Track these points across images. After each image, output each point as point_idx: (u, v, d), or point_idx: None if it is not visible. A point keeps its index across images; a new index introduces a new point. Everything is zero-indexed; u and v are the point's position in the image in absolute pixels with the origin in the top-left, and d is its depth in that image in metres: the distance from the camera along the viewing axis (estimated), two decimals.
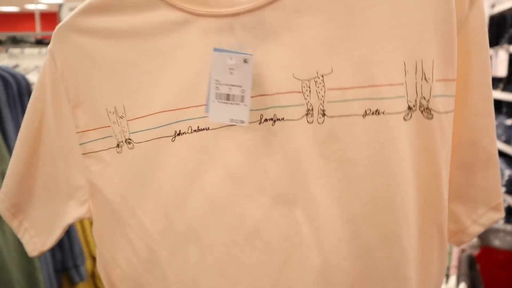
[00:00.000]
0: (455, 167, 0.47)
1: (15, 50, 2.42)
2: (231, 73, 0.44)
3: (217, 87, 0.45)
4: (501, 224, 1.09)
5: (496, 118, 0.45)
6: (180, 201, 0.49)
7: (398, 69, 0.43)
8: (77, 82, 0.50)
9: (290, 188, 0.46)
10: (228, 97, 0.45)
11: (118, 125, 0.50)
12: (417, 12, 0.42)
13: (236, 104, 0.45)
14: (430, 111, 0.43)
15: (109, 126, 0.50)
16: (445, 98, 0.43)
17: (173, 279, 0.51)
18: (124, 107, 0.49)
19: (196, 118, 0.47)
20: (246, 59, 0.43)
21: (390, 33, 0.42)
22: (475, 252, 1.08)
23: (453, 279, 0.94)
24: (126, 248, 0.53)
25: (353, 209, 0.45)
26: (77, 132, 0.52)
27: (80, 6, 0.49)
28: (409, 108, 0.44)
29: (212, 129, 0.47)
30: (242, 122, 0.45)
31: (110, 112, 0.50)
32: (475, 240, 1.13)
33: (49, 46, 0.51)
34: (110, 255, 0.54)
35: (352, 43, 0.43)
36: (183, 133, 0.48)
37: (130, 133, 0.50)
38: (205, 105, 0.46)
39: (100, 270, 0.56)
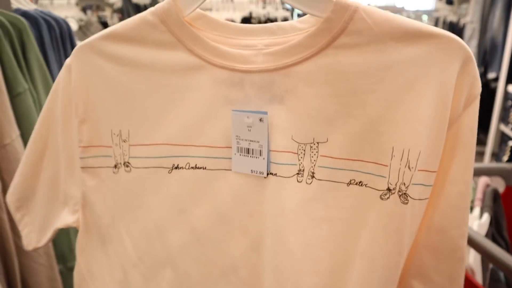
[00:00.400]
0: (422, 247, 0.48)
1: (44, 1, 2.46)
2: (249, 130, 0.47)
3: (238, 141, 0.48)
4: (507, 164, 1.11)
5: None
6: (164, 229, 0.52)
7: (386, 152, 0.45)
8: (87, 100, 0.52)
9: (271, 236, 0.48)
10: (248, 151, 0.48)
11: (120, 147, 0.52)
12: (414, 105, 0.43)
13: (256, 157, 0.48)
14: (407, 197, 0.45)
15: (110, 147, 0.52)
16: (422, 187, 0.45)
17: None
18: (129, 132, 0.51)
19: (195, 156, 0.50)
20: (261, 118, 0.46)
21: (385, 118, 0.44)
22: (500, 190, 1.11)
23: (477, 210, 0.99)
24: (103, 264, 0.56)
25: (323, 264, 0.48)
26: (79, 146, 0.54)
27: (105, 30, 0.51)
28: (389, 189, 0.45)
29: (209, 169, 0.50)
30: (262, 173, 0.48)
31: (114, 134, 0.52)
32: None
33: (68, 60, 0.52)
34: (86, 267, 0.57)
35: (350, 120, 0.45)
36: (180, 168, 0.50)
37: (130, 157, 0.52)
38: (205, 146, 0.49)
39: (75, 280, 0.59)
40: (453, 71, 0.42)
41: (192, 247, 0.51)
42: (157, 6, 0.49)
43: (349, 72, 0.44)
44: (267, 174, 0.48)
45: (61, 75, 0.53)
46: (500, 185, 1.12)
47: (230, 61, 0.47)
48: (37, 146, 0.57)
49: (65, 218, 0.57)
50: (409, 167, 0.44)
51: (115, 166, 0.53)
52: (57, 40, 1.07)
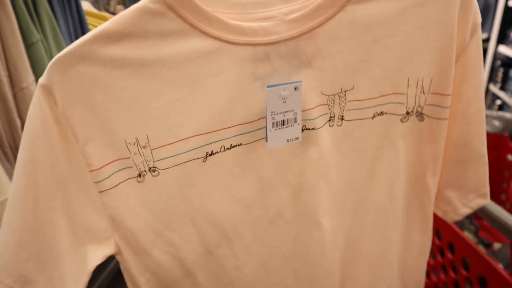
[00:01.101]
0: (451, 163, 0.57)
1: None
2: (284, 102, 0.47)
3: (273, 117, 0.48)
4: (487, 111, 1.22)
5: None
6: (210, 211, 0.53)
7: (403, 83, 0.52)
8: (86, 117, 0.45)
9: (312, 177, 0.54)
10: (283, 122, 0.49)
11: (140, 155, 0.48)
12: (425, 40, 0.49)
13: (291, 126, 0.49)
14: (422, 115, 0.53)
15: (129, 158, 0.47)
16: (436, 107, 0.52)
17: (198, 272, 0.56)
18: (147, 137, 0.47)
19: (229, 137, 0.49)
20: (296, 87, 0.47)
21: (401, 56, 0.50)
22: None
23: None
24: (151, 264, 0.54)
25: (357, 183, 0.57)
26: (90, 171, 0.47)
27: (91, 33, 0.43)
28: (407, 113, 0.54)
29: (245, 144, 0.50)
30: (297, 138, 0.50)
31: (130, 143, 0.47)
32: None
33: (42, 79, 0.43)
34: (135, 271, 0.54)
35: (372, 65, 0.50)
36: (215, 153, 0.50)
37: (155, 161, 0.48)
38: (238, 125, 0.49)
39: (126, 279, 0.56)
40: (455, 5, 0.48)
41: (240, 213, 0.54)
42: None
43: (369, 23, 0.47)
44: (302, 131, 0.51)
45: (37, 102, 0.43)
46: None
47: (252, 37, 0.46)
48: (24, 205, 0.45)
49: (98, 254, 0.50)
50: (423, 92, 0.52)
51: (140, 175, 0.49)
52: None
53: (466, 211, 0.60)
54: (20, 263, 0.45)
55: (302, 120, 0.50)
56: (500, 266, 0.72)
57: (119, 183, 0.48)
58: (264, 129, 0.50)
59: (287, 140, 0.50)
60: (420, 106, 0.53)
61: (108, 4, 2.89)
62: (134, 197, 0.49)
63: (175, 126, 0.47)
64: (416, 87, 0.51)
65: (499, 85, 2.78)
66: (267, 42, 0.46)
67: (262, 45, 0.46)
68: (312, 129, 0.51)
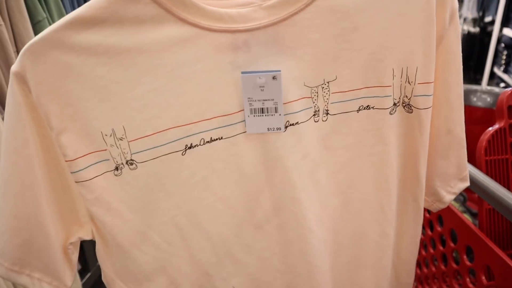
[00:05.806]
0: (436, 152, 0.56)
1: None
2: (261, 90, 0.46)
3: (250, 103, 0.47)
4: (479, 86, 1.25)
5: None
6: (191, 208, 0.51)
7: (388, 74, 0.50)
8: (60, 107, 0.44)
9: (298, 178, 0.51)
10: (262, 110, 0.48)
11: (117, 147, 0.46)
12: (407, 28, 0.48)
13: (271, 115, 0.48)
14: (411, 107, 0.52)
15: (105, 150, 0.46)
16: (424, 97, 0.51)
17: (182, 281, 0.54)
18: (124, 128, 0.45)
19: (209, 130, 0.48)
20: (275, 76, 0.46)
21: (384, 45, 0.48)
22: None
23: None
24: (129, 265, 0.52)
25: (345, 184, 0.55)
26: (66, 161, 0.46)
27: (65, 18, 0.42)
28: (394, 104, 0.52)
29: (226, 138, 0.49)
30: (279, 129, 0.49)
31: (106, 135, 0.45)
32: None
33: (14, 67, 0.42)
34: (113, 274, 0.53)
35: (353, 54, 0.48)
36: (194, 146, 0.48)
37: (132, 154, 0.47)
38: (218, 117, 0.47)
39: (105, 283, 0.55)
40: None
41: (223, 214, 0.52)
42: None
43: (349, 9, 0.46)
44: (285, 128, 0.49)
45: (10, 90, 0.43)
46: None
47: (230, 23, 0.44)
48: (13, 191, 0.46)
49: (78, 234, 0.51)
50: (408, 82, 0.50)
51: (117, 168, 0.47)
52: None
53: (450, 197, 0.60)
54: (16, 247, 0.47)
55: (284, 114, 0.49)
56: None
57: (95, 177, 0.47)
58: (244, 122, 0.49)
59: (268, 129, 0.49)
60: (407, 97, 0.52)
61: None
62: (110, 192, 0.48)
63: (152, 117, 0.46)
64: (401, 77, 0.50)
65: (503, 67, 2.78)
66: (246, 29, 0.45)
67: (241, 32, 0.45)
68: (295, 123, 0.50)
